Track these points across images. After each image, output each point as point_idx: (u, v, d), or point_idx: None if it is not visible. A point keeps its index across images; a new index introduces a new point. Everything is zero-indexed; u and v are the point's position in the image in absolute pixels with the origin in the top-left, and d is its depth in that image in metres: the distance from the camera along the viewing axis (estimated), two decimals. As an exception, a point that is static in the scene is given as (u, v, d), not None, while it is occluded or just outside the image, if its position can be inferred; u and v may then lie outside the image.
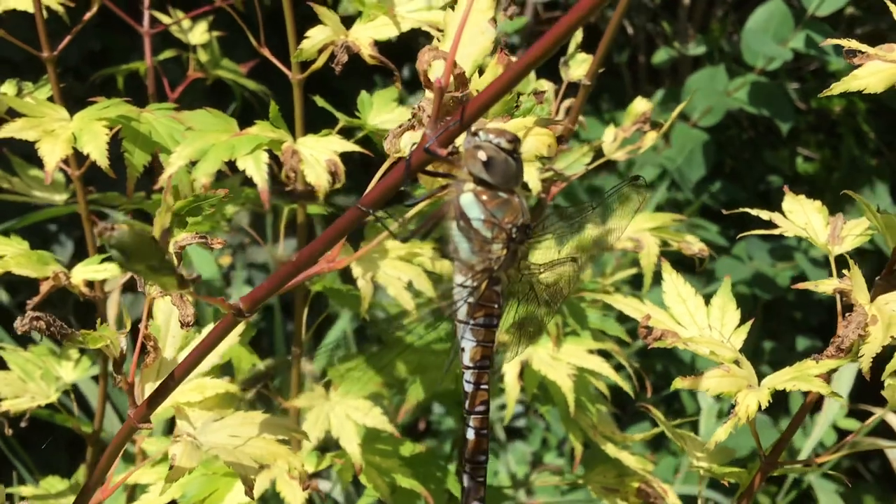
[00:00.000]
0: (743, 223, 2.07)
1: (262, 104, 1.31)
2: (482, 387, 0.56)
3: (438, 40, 0.73)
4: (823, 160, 2.23)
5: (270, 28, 0.95)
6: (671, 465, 1.83)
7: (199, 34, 1.31)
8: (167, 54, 1.30)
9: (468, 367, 0.56)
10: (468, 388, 0.56)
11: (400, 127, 0.52)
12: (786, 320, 2.11)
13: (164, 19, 1.26)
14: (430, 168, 0.50)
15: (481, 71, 0.54)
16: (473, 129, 0.49)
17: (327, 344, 0.58)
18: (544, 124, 0.51)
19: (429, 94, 0.51)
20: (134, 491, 1.08)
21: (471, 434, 0.57)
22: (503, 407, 1.80)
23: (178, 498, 0.86)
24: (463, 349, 0.56)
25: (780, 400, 1.87)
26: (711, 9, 2.20)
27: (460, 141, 0.50)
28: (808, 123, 2.28)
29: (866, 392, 1.67)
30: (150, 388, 0.64)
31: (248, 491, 0.59)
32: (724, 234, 1.98)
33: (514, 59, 0.51)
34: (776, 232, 0.79)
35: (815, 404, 1.76)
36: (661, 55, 2.02)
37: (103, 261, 0.87)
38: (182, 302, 0.56)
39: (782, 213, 0.81)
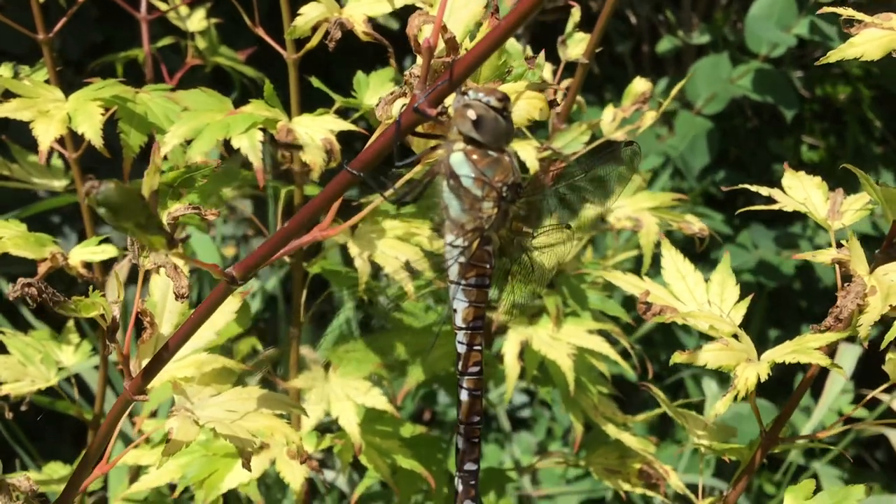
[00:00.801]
0: (748, 212, 2.06)
1: (260, 91, 1.31)
2: (475, 348, 0.56)
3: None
4: (828, 148, 2.22)
5: (268, 12, 0.94)
6: (674, 452, 1.83)
7: (197, 21, 1.31)
8: (165, 41, 1.30)
9: (460, 328, 0.55)
10: (461, 349, 0.56)
11: (391, 94, 0.52)
12: (791, 309, 2.10)
13: (162, 6, 1.26)
14: (420, 129, 0.49)
15: (473, 38, 0.54)
16: (463, 88, 0.48)
17: (332, 331, 0.58)
18: (536, 88, 0.50)
19: (420, 60, 0.51)
20: (138, 474, 1.08)
21: (464, 395, 0.56)
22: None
23: (179, 479, 0.86)
24: (455, 310, 0.55)
25: (785, 388, 1.86)
26: (714, -4, 2.19)
27: (450, 101, 0.49)
28: (813, 111, 2.27)
29: (873, 377, 1.66)
30: (146, 363, 0.64)
31: (246, 464, 0.59)
32: (728, 223, 1.97)
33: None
34: (775, 207, 0.79)
35: (817, 391, 1.75)
36: (665, 44, 2.01)
37: (101, 242, 0.87)
38: (176, 273, 0.55)
39: (767, 198, 0.80)
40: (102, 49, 1.89)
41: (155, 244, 0.45)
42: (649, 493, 0.99)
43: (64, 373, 0.98)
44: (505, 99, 0.49)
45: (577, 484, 1.55)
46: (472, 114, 0.49)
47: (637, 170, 0.61)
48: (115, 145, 0.83)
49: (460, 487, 0.57)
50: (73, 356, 1.00)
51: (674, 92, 0.91)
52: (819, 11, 0.63)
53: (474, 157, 0.50)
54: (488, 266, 0.54)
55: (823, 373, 1.88)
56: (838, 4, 1.78)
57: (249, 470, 0.60)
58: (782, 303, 2.08)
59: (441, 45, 0.49)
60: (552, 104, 0.51)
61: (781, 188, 0.82)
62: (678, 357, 0.71)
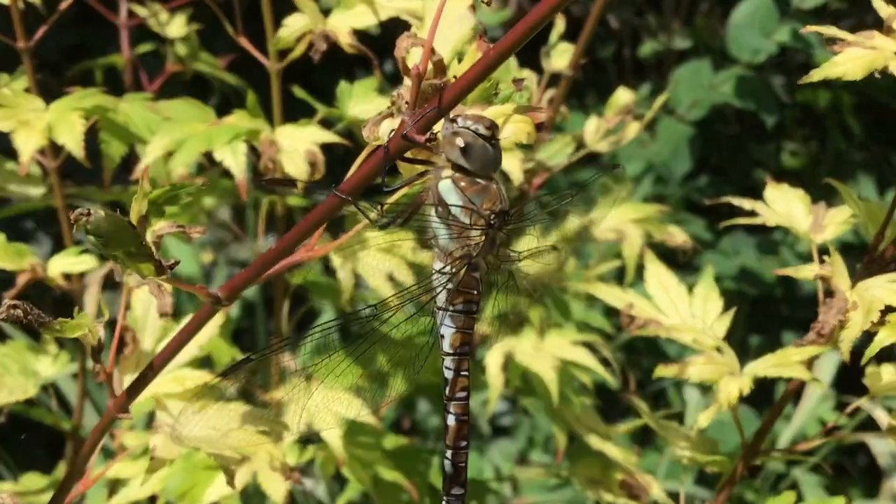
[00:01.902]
0: (730, 217, 2.07)
1: (241, 98, 1.30)
2: (462, 373, 0.56)
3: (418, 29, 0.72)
4: (809, 154, 2.23)
5: (249, 21, 0.94)
6: (656, 461, 1.83)
7: (177, 27, 1.30)
8: (145, 48, 1.29)
9: (448, 354, 0.55)
10: (448, 374, 0.56)
11: (379, 115, 0.51)
12: (773, 315, 2.11)
13: (142, 12, 1.25)
14: (408, 155, 0.49)
15: (461, 59, 0.54)
16: (452, 115, 0.48)
17: (310, 341, 0.57)
18: (524, 111, 0.50)
19: (407, 81, 0.51)
20: (116, 486, 1.07)
21: (451, 420, 0.56)
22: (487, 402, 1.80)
23: (159, 492, 0.85)
24: (442, 336, 0.55)
25: (766, 395, 1.87)
26: (696, 3, 2.20)
27: (438, 128, 0.49)
28: (794, 118, 2.28)
29: (853, 383, 1.67)
30: (129, 380, 0.63)
31: (230, 481, 0.59)
32: (710, 230, 1.98)
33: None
34: (758, 221, 0.79)
35: (797, 397, 1.76)
36: (647, 49, 2.02)
37: (81, 253, 0.86)
38: (160, 291, 0.55)
39: (750, 211, 0.80)
40: (79, 51, 1.87)
41: (144, 271, 0.44)
42: (632, 503, 0.99)
43: (42, 383, 0.97)
44: (493, 127, 0.49)
45: (558, 492, 1.55)
46: (460, 141, 0.49)
47: (625, 197, 0.62)
48: (91, 151, 0.82)
49: None
50: (52, 367, 0.99)
51: (657, 104, 0.92)
52: (804, 30, 0.63)
53: (462, 184, 0.50)
54: (476, 292, 0.54)
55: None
56: (818, 12, 1.78)
57: (233, 487, 0.59)
58: (764, 309, 2.08)
59: (429, 66, 0.48)
60: (539, 127, 0.51)
61: (763, 198, 0.82)
62: (662, 371, 0.71)
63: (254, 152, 0.82)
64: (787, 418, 1.81)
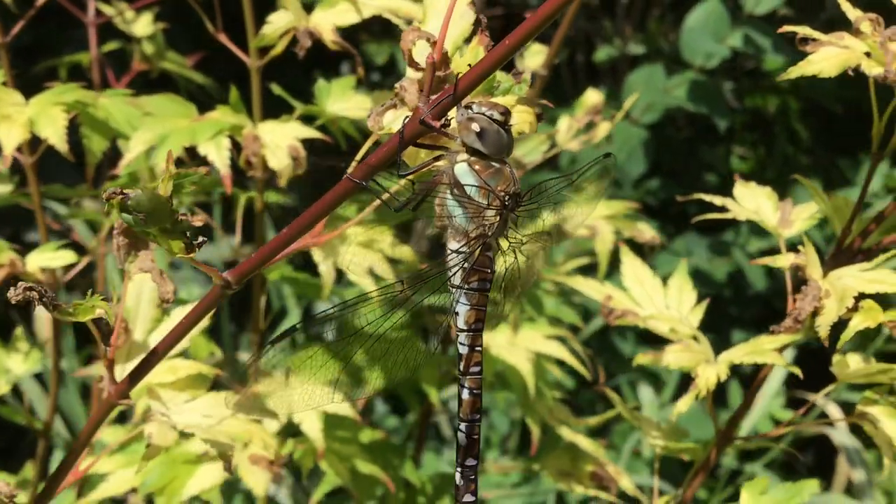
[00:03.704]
0: (680, 220, 2.12)
1: (208, 97, 1.30)
2: (476, 349, 0.58)
3: (404, 26, 0.74)
4: (758, 158, 2.29)
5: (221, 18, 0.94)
6: (613, 457, 1.86)
7: (143, 26, 1.30)
8: (111, 46, 1.28)
9: (462, 330, 0.57)
10: (463, 350, 0.58)
11: (383, 105, 0.53)
12: (723, 315, 2.15)
13: (108, 10, 1.25)
14: (421, 140, 0.51)
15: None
16: (465, 102, 0.50)
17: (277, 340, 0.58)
18: (527, 103, 0.52)
19: (410, 73, 0.52)
20: (83, 487, 1.06)
21: (466, 394, 0.58)
22: (448, 402, 1.81)
23: (139, 486, 0.85)
24: (457, 313, 0.57)
25: (719, 387, 1.91)
26: (648, 8, 2.25)
27: (452, 114, 0.51)
28: (743, 122, 2.34)
29: (804, 380, 1.71)
30: (119, 369, 0.64)
31: (227, 467, 0.59)
32: (662, 231, 2.02)
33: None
34: (728, 216, 0.82)
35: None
36: (601, 54, 2.05)
37: (59, 248, 0.86)
38: (162, 279, 0.56)
39: (721, 207, 0.83)
40: (32, 50, 1.85)
41: (174, 248, 0.45)
42: (602, 494, 1.01)
43: (14, 381, 0.97)
44: (507, 113, 0.51)
45: (522, 487, 1.57)
46: (476, 126, 0.51)
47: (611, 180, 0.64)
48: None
49: (461, 482, 0.59)
50: (23, 364, 0.99)
51: (628, 103, 0.94)
52: (780, 30, 0.66)
53: (477, 167, 0.53)
54: (489, 271, 0.56)
55: (755, 375, 1.93)
56: (768, 19, 1.83)
57: (230, 473, 0.60)
58: (714, 309, 2.13)
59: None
60: (539, 118, 0.53)
61: (718, 197, 0.85)
62: (641, 359, 0.73)
63: (235, 148, 0.82)
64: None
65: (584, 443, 0.98)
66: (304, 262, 0.95)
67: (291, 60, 0.88)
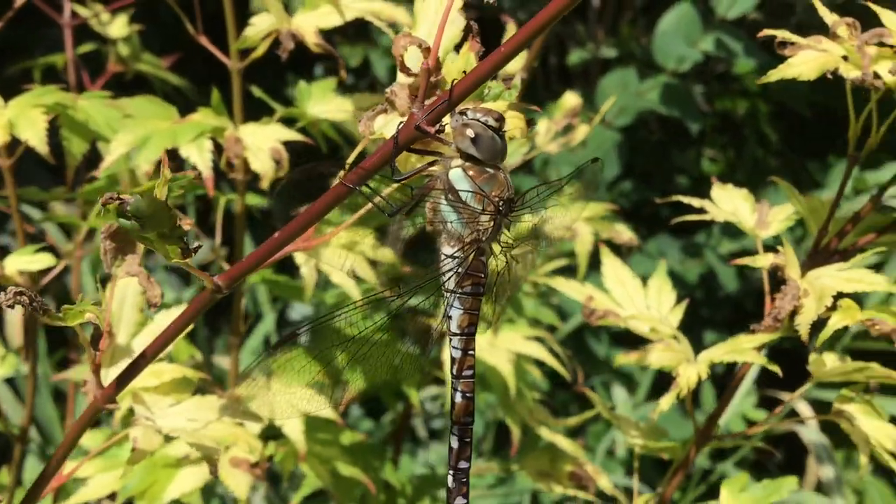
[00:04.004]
0: (653, 222, 2.13)
1: (184, 99, 1.29)
2: (469, 352, 0.58)
3: (386, 29, 0.74)
4: (728, 161, 2.31)
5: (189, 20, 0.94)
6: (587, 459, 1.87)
7: (118, 27, 1.29)
8: (86, 48, 1.28)
9: (455, 334, 0.58)
10: (456, 354, 0.58)
11: (373, 110, 0.53)
12: (695, 317, 2.17)
13: (83, 11, 1.24)
14: (414, 146, 0.51)
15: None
16: (459, 108, 0.51)
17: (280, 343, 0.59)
18: (518, 108, 0.53)
19: (401, 78, 0.53)
20: (58, 493, 1.06)
21: (459, 398, 0.59)
22: (434, 399, 1.82)
23: (118, 490, 0.85)
24: (450, 317, 0.57)
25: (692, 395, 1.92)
26: (620, 12, 2.26)
27: (446, 120, 0.51)
28: (714, 126, 2.36)
29: (775, 379, 1.73)
30: (103, 374, 0.64)
31: (213, 470, 0.59)
32: (635, 233, 2.03)
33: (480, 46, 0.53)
34: (706, 218, 0.83)
35: (721, 394, 1.82)
36: (575, 57, 2.07)
37: (37, 251, 0.85)
38: (149, 282, 0.56)
39: (699, 209, 0.84)
40: (4, 50, 1.83)
41: (171, 253, 0.45)
42: (581, 494, 1.02)
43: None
44: (501, 119, 0.52)
45: (497, 489, 1.58)
46: (471, 132, 0.52)
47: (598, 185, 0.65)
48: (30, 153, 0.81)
49: (453, 485, 0.59)
50: (0, 368, 0.98)
51: (606, 106, 0.95)
52: (760, 34, 0.67)
53: (471, 173, 0.53)
54: (483, 275, 0.56)
55: (728, 375, 1.95)
56: (739, 23, 1.85)
57: (216, 476, 0.60)
58: (686, 310, 2.15)
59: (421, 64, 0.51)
60: (529, 123, 0.54)
61: (687, 205, 0.86)
62: (624, 359, 0.74)
63: (215, 150, 0.82)
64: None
65: (564, 443, 0.99)
66: (281, 266, 0.95)
67: (265, 63, 0.88)
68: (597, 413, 0.99)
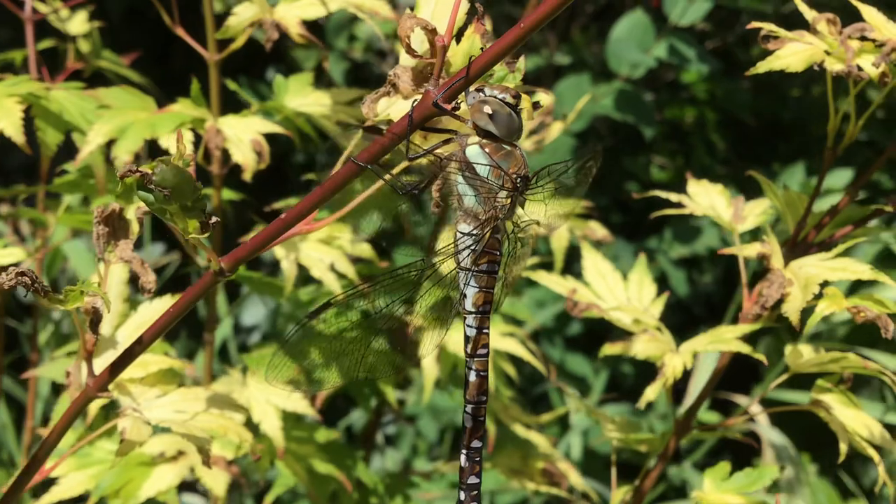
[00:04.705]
0: (606, 226, 2.16)
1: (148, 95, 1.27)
2: (484, 331, 0.58)
3: (369, 21, 0.74)
4: (676, 168, 2.35)
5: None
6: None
7: (78, 24, 1.27)
8: (46, 44, 1.25)
9: (470, 313, 0.57)
10: (470, 332, 0.58)
11: (376, 93, 0.53)
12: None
13: (43, 8, 1.22)
14: (428, 123, 0.51)
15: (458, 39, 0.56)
16: (474, 87, 0.51)
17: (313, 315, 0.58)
18: (524, 91, 0.53)
19: (404, 60, 0.53)
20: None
21: (473, 376, 0.58)
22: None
23: (92, 489, 0.83)
24: (465, 295, 0.57)
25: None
26: (573, 19, 2.29)
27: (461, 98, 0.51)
28: (662, 133, 2.40)
29: (731, 382, 1.76)
30: (83, 366, 0.62)
31: (206, 461, 0.58)
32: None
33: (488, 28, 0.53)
34: (685, 212, 0.84)
35: (676, 397, 1.84)
36: (529, 63, 2.08)
37: (6, 246, 0.83)
38: (143, 268, 0.55)
39: (647, 216, 0.85)
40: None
41: (190, 227, 0.45)
42: (553, 490, 1.02)
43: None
44: (517, 96, 0.52)
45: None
46: (488, 109, 0.52)
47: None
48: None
49: (466, 464, 0.59)
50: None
51: (579, 105, 0.96)
52: (749, 26, 0.68)
53: (488, 149, 0.53)
54: (498, 253, 0.56)
55: (684, 379, 1.97)
56: (690, 31, 1.87)
57: (209, 467, 0.59)
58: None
59: (426, 46, 0.51)
60: (535, 106, 0.54)
61: (637, 211, 0.87)
62: (610, 349, 0.74)
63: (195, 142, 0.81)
64: (665, 418, 1.90)
65: (539, 440, 0.99)
66: (252, 262, 0.94)
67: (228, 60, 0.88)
68: (558, 415, 0.99)
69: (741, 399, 1.71)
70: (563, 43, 2.23)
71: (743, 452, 1.95)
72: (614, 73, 1.92)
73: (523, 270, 0.93)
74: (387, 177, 0.51)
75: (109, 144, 0.77)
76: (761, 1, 2.03)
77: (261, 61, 2.09)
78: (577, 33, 2.24)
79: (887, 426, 1.65)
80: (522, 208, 0.56)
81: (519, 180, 0.54)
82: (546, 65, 2.16)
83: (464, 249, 0.55)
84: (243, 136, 0.79)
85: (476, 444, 0.59)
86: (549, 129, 0.99)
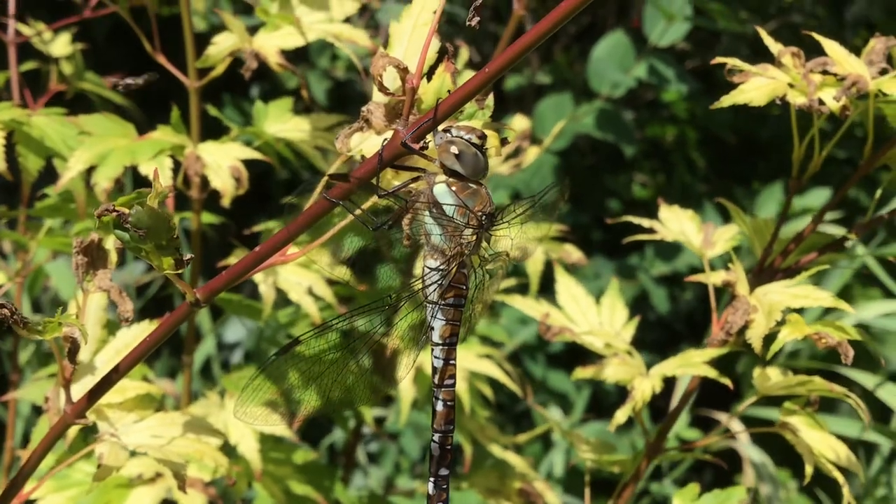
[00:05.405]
0: (585, 244, 2.18)
1: (127, 118, 1.29)
2: (451, 362, 0.59)
3: (346, 49, 0.75)
4: (657, 186, 2.37)
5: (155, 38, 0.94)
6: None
7: (61, 45, 1.28)
8: (29, 66, 1.26)
9: (437, 344, 0.59)
10: (437, 363, 0.59)
11: (350, 128, 0.55)
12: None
13: (25, 30, 1.23)
14: (398, 161, 0.52)
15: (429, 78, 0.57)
16: (442, 127, 0.52)
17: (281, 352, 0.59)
18: (493, 127, 0.55)
19: (377, 97, 0.54)
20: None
21: (440, 406, 0.60)
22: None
23: (70, 512, 0.83)
24: (432, 328, 0.59)
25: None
26: (554, 39, 2.31)
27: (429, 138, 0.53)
28: (643, 151, 2.42)
29: (708, 400, 1.78)
30: (61, 392, 0.63)
31: (181, 486, 0.59)
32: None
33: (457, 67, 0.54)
34: (656, 237, 0.85)
35: (660, 413, 1.85)
36: (511, 82, 2.10)
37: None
38: (121, 297, 0.56)
39: (648, 228, 0.87)
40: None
41: (165, 265, 0.46)
42: (530, 509, 1.03)
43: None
44: (483, 137, 0.54)
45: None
46: (455, 149, 0.54)
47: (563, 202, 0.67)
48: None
49: (434, 491, 0.60)
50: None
51: (557, 128, 0.98)
52: (714, 61, 0.70)
53: (455, 188, 0.55)
54: (465, 287, 0.58)
55: (666, 394, 1.99)
56: (670, 52, 1.89)
57: (185, 492, 0.60)
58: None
59: (398, 83, 0.52)
60: (503, 142, 0.56)
61: (619, 229, 0.88)
62: (581, 373, 0.76)
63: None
64: (648, 434, 1.91)
65: (516, 460, 1.01)
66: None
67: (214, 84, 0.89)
68: (536, 435, 1.01)
69: (722, 416, 1.73)
70: (546, 63, 2.25)
71: (724, 469, 1.97)
72: (595, 93, 1.95)
73: (496, 294, 0.94)
74: (357, 212, 0.52)
75: (90, 169, 0.78)
76: (740, 23, 2.06)
77: (244, 79, 2.11)
78: (559, 53, 2.26)
79: (864, 444, 1.66)
80: (489, 244, 0.58)
81: (484, 218, 0.56)
82: (528, 84, 2.18)
83: (430, 284, 0.57)
84: (222, 163, 0.80)
85: (443, 471, 0.60)
86: (525, 154, 1.00)
